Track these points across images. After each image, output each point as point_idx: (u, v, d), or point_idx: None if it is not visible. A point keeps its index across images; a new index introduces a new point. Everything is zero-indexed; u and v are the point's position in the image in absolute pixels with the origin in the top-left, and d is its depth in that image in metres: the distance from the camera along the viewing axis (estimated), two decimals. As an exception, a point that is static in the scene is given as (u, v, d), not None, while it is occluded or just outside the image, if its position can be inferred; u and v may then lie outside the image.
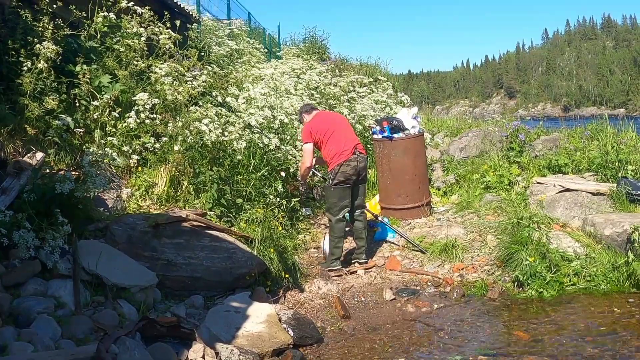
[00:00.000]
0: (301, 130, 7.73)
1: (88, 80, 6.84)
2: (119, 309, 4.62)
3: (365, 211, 7.59)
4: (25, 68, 6.23)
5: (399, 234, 7.97)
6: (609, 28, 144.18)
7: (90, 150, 6.26)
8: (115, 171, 6.87)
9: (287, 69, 12.33)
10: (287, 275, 6.34)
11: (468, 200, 9.08)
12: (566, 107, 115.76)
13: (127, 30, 7.74)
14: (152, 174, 6.90)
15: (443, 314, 6.01)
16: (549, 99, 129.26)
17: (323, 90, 12.17)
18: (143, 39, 7.73)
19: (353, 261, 7.41)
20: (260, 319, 5.09)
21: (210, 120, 7.26)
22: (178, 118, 7.34)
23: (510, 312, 5.95)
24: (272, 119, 8.73)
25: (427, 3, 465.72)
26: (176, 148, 6.86)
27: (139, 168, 6.92)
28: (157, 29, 8.01)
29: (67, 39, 6.96)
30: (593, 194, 7.94)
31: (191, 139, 7.04)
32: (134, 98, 7.11)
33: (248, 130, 7.88)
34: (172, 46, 8.13)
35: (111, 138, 6.75)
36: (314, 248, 7.98)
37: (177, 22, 8.61)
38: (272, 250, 6.28)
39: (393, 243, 8.00)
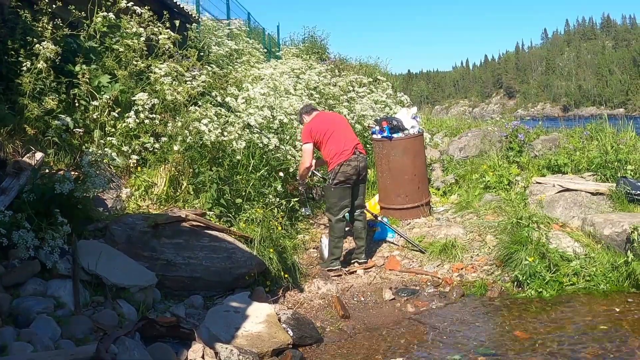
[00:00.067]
0: (301, 130, 7.74)
1: (87, 80, 6.84)
2: (119, 309, 4.62)
3: (365, 211, 7.60)
4: (24, 68, 6.23)
5: (398, 234, 7.97)
6: (608, 28, 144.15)
7: (90, 150, 6.26)
8: (114, 171, 6.87)
9: (286, 69, 12.33)
10: (286, 275, 6.34)
11: (467, 200, 9.08)
12: (565, 107, 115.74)
13: (127, 30, 7.74)
14: (152, 174, 6.90)
15: (442, 314, 6.02)
16: (548, 99, 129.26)
17: (322, 90, 12.17)
18: (142, 39, 7.73)
19: (352, 261, 7.41)
20: (260, 319, 5.09)
21: (209, 120, 7.26)
22: (177, 118, 7.34)
23: (509, 311, 5.95)
24: (271, 119, 8.73)
25: (427, 3, 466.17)
26: (175, 148, 6.86)
27: (139, 168, 6.91)
28: (156, 29, 8.01)
29: (67, 39, 6.96)
30: (592, 193, 7.95)
31: (190, 139, 7.04)
32: (134, 98, 7.11)
33: (247, 130, 7.88)
34: (172, 46, 8.13)
35: (110, 138, 6.75)
36: (314, 248, 7.98)
37: (177, 22, 8.60)
38: (271, 250, 6.28)
39: (392, 243, 8.00)
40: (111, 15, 7.53)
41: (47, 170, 5.40)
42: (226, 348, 4.42)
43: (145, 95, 7.09)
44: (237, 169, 7.50)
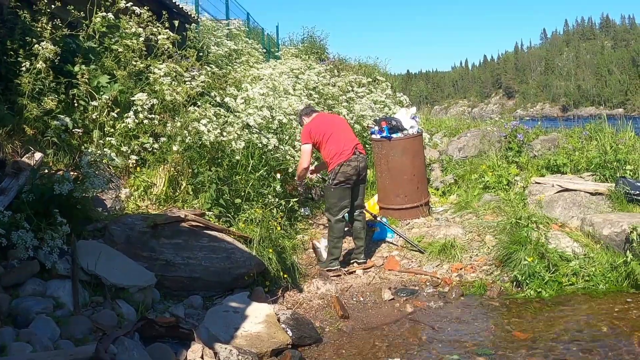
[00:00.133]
0: (300, 131, 7.74)
1: (87, 80, 6.84)
2: (118, 309, 4.62)
3: (364, 211, 7.60)
4: (23, 68, 6.23)
5: (397, 234, 7.97)
6: (607, 28, 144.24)
7: (89, 150, 6.26)
8: (113, 171, 6.87)
9: (285, 69, 12.35)
10: (285, 276, 6.34)
11: (467, 200, 9.08)
12: (565, 107, 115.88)
13: (126, 31, 7.74)
14: (151, 174, 6.90)
15: (441, 314, 6.02)
16: (547, 99, 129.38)
17: (322, 91, 12.18)
18: (141, 39, 7.73)
19: (352, 261, 7.41)
20: (259, 319, 5.08)
21: (208, 120, 7.26)
22: (177, 118, 7.34)
23: (508, 311, 5.95)
24: (270, 119, 8.73)
25: (427, 3, 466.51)
26: (175, 148, 6.86)
27: (138, 168, 6.91)
28: (155, 29, 8.01)
29: (66, 39, 6.96)
30: (591, 193, 7.95)
31: (190, 139, 7.04)
32: (133, 98, 7.10)
33: (246, 130, 7.88)
34: (171, 46, 8.13)
35: (110, 138, 6.75)
36: (313, 248, 7.97)
37: (176, 22, 8.61)
38: (270, 250, 6.28)
39: (392, 243, 8.00)
40: (110, 15, 7.53)
41: (46, 171, 5.40)
42: (225, 348, 4.42)
43: (144, 95, 7.09)
44: (237, 169, 7.50)
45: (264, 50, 17.27)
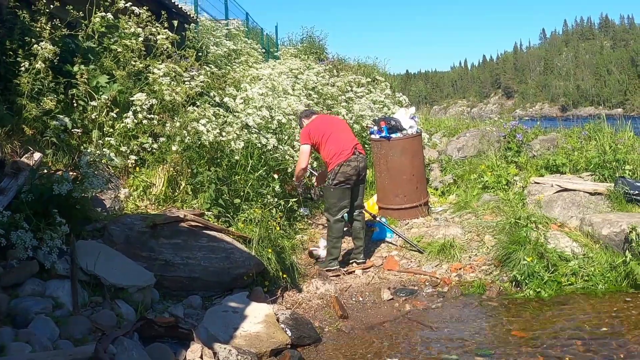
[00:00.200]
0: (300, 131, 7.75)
1: (86, 80, 6.83)
2: (117, 309, 4.62)
3: (363, 211, 7.60)
4: (22, 68, 6.22)
5: (396, 234, 7.97)
6: (606, 28, 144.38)
7: (88, 150, 6.25)
8: (113, 171, 6.86)
9: (284, 69, 12.36)
10: (285, 276, 6.34)
11: (466, 200, 9.08)
12: (564, 107, 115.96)
13: (125, 31, 7.73)
14: (150, 174, 6.89)
15: (441, 314, 6.02)
16: (546, 99, 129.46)
17: (321, 91, 12.18)
18: (141, 39, 7.72)
19: (351, 261, 7.41)
20: (258, 319, 5.09)
21: (208, 120, 7.26)
22: (176, 118, 7.34)
23: (508, 311, 5.95)
24: (269, 119, 8.74)
25: (427, 3, 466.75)
26: (174, 148, 6.86)
27: (137, 168, 6.91)
28: (154, 29, 8.00)
29: (65, 39, 6.95)
30: (591, 193, 7.95)
31: (189, 139, 7.04)
32: (132, 98, 7.10)
33: (246, 130, 7.88)
34: (170, 46, 8.12)
35: (109, 138, 6.74)
36: (313, 248, 7.97)
37: (175, 23, 8.60)
38: (270, 250, 6.28)
39: (391, 243, 8.00)
40: (109, 15, 7.52)
41: (45, 171, 5.40)
42: (225, 348, 4.42)
43: (143, 95, 7.09)
44: (236, 169, 7.50)
45: (263, 50, 17.27)
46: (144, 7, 8.10)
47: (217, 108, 8.02)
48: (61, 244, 4.68)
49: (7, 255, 4.49)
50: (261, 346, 4.74)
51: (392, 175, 8.71)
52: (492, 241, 7.37)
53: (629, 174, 8.19)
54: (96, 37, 7.50)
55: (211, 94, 8.59)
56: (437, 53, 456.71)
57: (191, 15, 12.23)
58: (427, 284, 6.84)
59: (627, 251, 6.36)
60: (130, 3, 7.86)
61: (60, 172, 5.25)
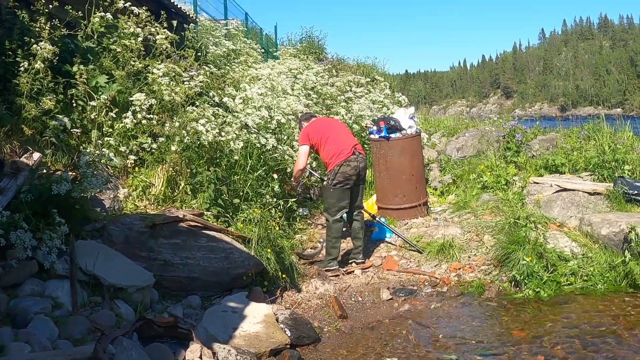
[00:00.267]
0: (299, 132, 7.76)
1: (85, 80, 6.82)
2: (116, 309, 4.62)
3: (363, 211, 7.60)
4: (22, 68, 6.22)
5: (396, 234, 7.97)
6: (605, 28, 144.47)
7: (87, 150, 6.24)
8: (112, 171, 6.86)
9: (284, 69, 12.35)
10: (284, 276, 6.34)
11: (465, 200, 9.08)
12: (563, 107, 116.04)
13: (124, 31, 7.72)
14: (149, 174, 6.89)
15: (440, 314, 6.02)
16: (546, 99, 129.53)
17: (320, 91, 12.17)
18: (140, 39, 7.71)
19: (350, 261, 7.41)
20: (258, 319, 5.09)
21: (207, 120, 7.26)
22: (175, 118, 7.33)
23: (507, 311, 5.95)
24: (269, 119, 8.74)
25: (426, 3, 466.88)
26: (173, 148, 6.86)
27: (136, 168, 6.91)
28: (154, 29, 7.99)
29: (64, 39, 6.94)
30: (590, 193, 7.96)
31: (188, 139, 7.03)
32: (131, 98, 7.09)
33: (245, 130, 7.88)
34: (169, 46, 8.12)
35: (108, 138, 6.74)
36: (311, 248, 7.97)
37: (174, 22, 8.60)
38: (269, 250, 6.28)
39: (390, 243, 8.01)
40: (109, 15, 7.51)
41: (44, 171, 5.39)
42: (224, 348, 4.42)
43: (142, 95, 7.08)
44: (235, 169, 7.50)
45: (263, 50, 17.24)
46: (143, 7, 8.09)
47: (217, 108, 8.01)
48: (60, 244, 4.68)
49: (7, 255, 4.49)
50: (260, 346, 4.75)
51: (391, 175, 8.71)
52: (492, 241, 7.38)
53: (628, 174, 8.20)
54: (95, 37, 7.49)
55: (210, 94, 8.59)
56: (437, 53, 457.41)
57: (190, 15, 12.21)
58: (426, 283, 6.84)
59: (626, 251, 6.36)
60: (129, 3, 7.85)
61: (59, 172, 5.25)
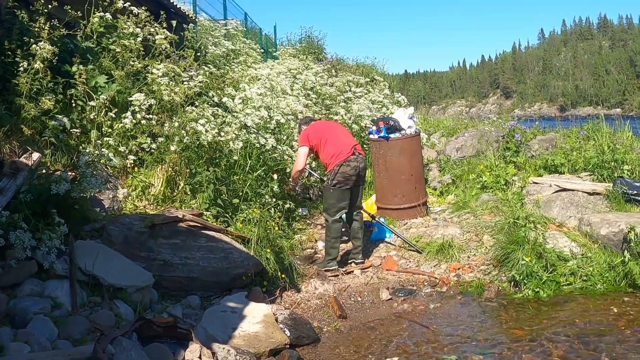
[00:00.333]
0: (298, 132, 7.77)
1: (84, 80, 6.82)
2: (116, 309, 4.62)
3: (362, 211, 7.60)
4: (21, 68, 6.22)
5: (395, 234, 7.97)
6: (605, 28, 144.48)
7: (87, 150, 6.25)
8: (111, 171, 6.86)
9: (283, 69, 12.35)
10: (283, 276, 6.34)
11: (464, 200, 9.09)
12: (562, 107, 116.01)
13: (124, 31, 7.72)
14: (149, 175, 6.89)
15: (439, 314, 6.02)
16: (545, 99, 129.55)
17: (319, 91, 12.17)
18: (139, 39, 7.71)
19: (350, 261, 7.41)
20: (257, 319, 5.09)
21: (206, 120, 7.26)
22: (174, 118, 7.33)
23: (506, 311, 5.95)
24: (268, 119, 8.73)
25: (426, 3, 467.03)
26: (172, 148, 6.86)
27: (136, 168, 6.91)
28: (153, 29, 7.99)
29: (64, 39, 6.94)
30: (589, 193, 7.96)
31: (188, 139, 7.04)
32: (131, 98, 7.09)
33: (244, 130, 7.88)
34: (169, 46, 8.11)
35: (107, 138, 6.74)
36: (311, 248, 7.97)
37: (174, 23, 8.60)
38: (268, 250, 6.28)
39: (389, 243, 8.00)
40: (108, 15, 7.51)
41: (44, 171, 5.39)
42: (223, 348, 4.42)
43: (142, 95, 7.08)
44: (234, 169, 7.50)
45: (262, 51, 17.23)
46: (143, 7, 8.09)
47: (216, 108, 8.02)
48: (60, 244, 4.68)
49: (6, 255, 4.49)
50: (260, 346, 4.75)
51: (390, 175, 8.71)
52: (491, 241, 7.38)
53: (627, 174, 8.20)
54: (95, 37, 7.49)
55: (210, 94, 8.59)
56: (436, 53, 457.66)
57: (190, 15, 12.20)
58: (425, 284, 6.84)
59: (625, 251, 6.36)
60: (128, 3, 7.85)
61: (58, 172, 5.25)
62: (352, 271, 7.21)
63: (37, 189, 4.89)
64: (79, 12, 7.19)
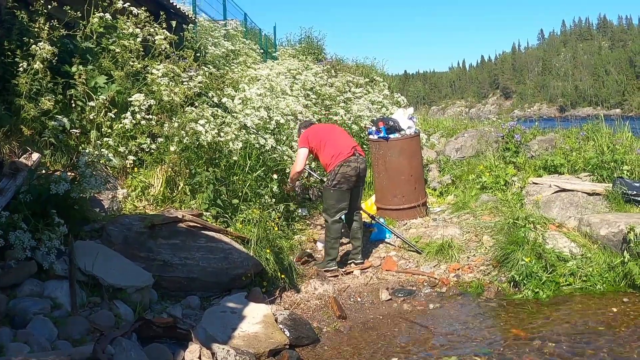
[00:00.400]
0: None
1: (84, 80, 6.82)
2: (115, 309, 4.62)
3: (361, 212, 7.60)
4: (21, 69, 6.21)
5: (395, 235, 7.97)
6: (604, 28, 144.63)
7: (86, 151, 6.25)
8: (111, 172, 6.86)
9: (283, 69, 12.34)
10: (283, 276, 6.34)
11: (464, 200, 9.08)
12: (562, 107, 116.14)
13: (123, 31, 7.72)
14: (148, 175, 6.89)
15: (439, 314, 6.02)
16: (545, 100, 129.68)
17: (319, 91, 12.17)
18: (139, 39, 7.71)
19: (349, 262, 7.41)
20: (257, 319, 5.09)
21: (206, 120, 7.26)
22: (174, 119, 7.33)
23: (506, 312, 5.96)
24: (268, 120, 8.73)
25: (425, 4, 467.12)
26: (172, 149, 6.86)
27: (135, 169, 6.91)
28: (153, 30, 7.99)
29: (63, 39, 6.94)
30: (589, 194, 7.96)
31: (187, 140, 7.04)
32: (130, 99, 7.10)
33: (244, 130, 7.88)
34: (168, 47, 8.11)
35: (107, 139, 6.74)
36: (310, 249, 7.96)
37: (173, 23, 8.61)
38: (268, 250, 6.28)
39: (389, 243, 8.00)
40: (108, 15, 7.51)
41: (43, 171, 5.39)
42: (223, 348, 4.42)
43: (141, 96, 7.08)
44: (234, 169, 7.50)
45: (262, 51, 17.22)
46: (142, 8, 8.09)
47: (216, 108, 8.01)
48: (59, 245, 4.68)
49: (6, 255, 4.49)
50: (259, 346, 4.75)
51: (390, 175, 8.71)
52: (491, 241, 7.38)
53: (627, 175, 8.20)
54: (94, 38, 7.49)
55: (209, 94, 8.59)
56: (436, 53, 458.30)
57: (189, 16, 12.20)
58: (425, 284, 6.84)
59: (625, 251, 6.36)
60: (128, 3, 7.85)
61: (58, 173, 5.25)
62: (352, 272, 7.20)
63: (36, 190, 4.89)
64: (78, 13, 7.19)
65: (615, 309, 5.74)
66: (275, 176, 8.07)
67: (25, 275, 4.44)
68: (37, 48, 6.30)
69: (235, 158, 7.45)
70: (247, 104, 8.68)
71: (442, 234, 7.77)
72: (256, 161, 7.92)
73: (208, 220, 6.36)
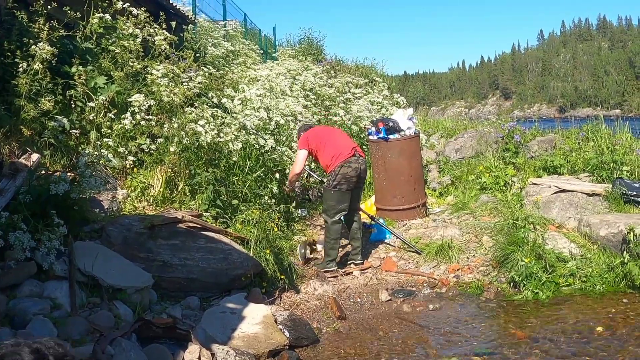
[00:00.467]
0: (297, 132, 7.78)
1: (84, 81, 6.82)
2: (115, 310, 4.62)
3: (361, 212, 7.60)
4: (20, 69, 6.21)
5: (394, 235, 7.97)
6: (604, 29, 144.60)
7: (86, 151, 6.25)
8: (110, 172, 6.86)
9: (282, 70, 12.36)
10: (282, 276, 6.34)
11: (464, 201, 9.08)
12: (562, 108, 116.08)
13: (123, 32, 7.72)
14: (148, 175, 6.89)
15: (439, 315, 6.02)
16: (544, 100, 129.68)
17: (319, 92, 12.18)
18: (139, 40, 7.71)
19: (349, 262, 7.41)
20: (256, 320, 5.09)
21: (206, 121, 7.26)
22: (174, 119, 7.33)
23: (506, 312, 5.96)
24: (267, 120, 8.73)
25: (425, 4, 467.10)
26: (172, 149, 6.86)
27: (135, 169, 6.91)
28: (152, 30, 7.99)
29: (63, 40, 6.94)
30: (588, 194, 7.96)
31: (187, 140, 7.03)
32: (130, 99, 7.10)
33: (244, 131, 7.88)
34: (168, 47, 8.11)
35: (107, 139, 6.74)
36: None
37: (173, 24, 8.60)
38: (267, 251, 6.28)
39: (389, 244, 8.00)
40: (107, 16, 7.51)
41: (43, 172, 5.39)
42: (222, 349, 4.42)
43: (141, 96, 7.08)
44: (234, 170, 7.51)
45: (261, 52, 17.23)
46: (142, 8, 8.08)
47: (215, 109, 8.01)
48: (59, 245, 4.68)
49: (5, 256, 4.49)
50: (259, 347, 4.75)
51: (390, 176, 8.71)
52: (490, 242, 7.38)
53: (626, 175, 8.20)
54: (94, 38, 7.49)
55: (209, 95, 8.59)
56: (435, 54, 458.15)
57: (189, 16, 12.20)
58: (425, 285, 6.84)
59: (624, 252, 6.36)
60: (128, 4, 7.85)
61: (58, 173, 5.25)
62: (352, 272, 7.21)
63: (36, 190, 4.89)
64: (78, 13, 7.18)
65: (614, 310, 5.74)
66: (277, 175, 8.07)
67: (25, 276, 4.44)
68: (37, 48, 6.30)
69: (235, 159, 7.45)
70: (246, 105, 8.68)
71: (442, 235, 7.77)
72: (256, 162, 7.93)
73: (208, 220, 6.36)
